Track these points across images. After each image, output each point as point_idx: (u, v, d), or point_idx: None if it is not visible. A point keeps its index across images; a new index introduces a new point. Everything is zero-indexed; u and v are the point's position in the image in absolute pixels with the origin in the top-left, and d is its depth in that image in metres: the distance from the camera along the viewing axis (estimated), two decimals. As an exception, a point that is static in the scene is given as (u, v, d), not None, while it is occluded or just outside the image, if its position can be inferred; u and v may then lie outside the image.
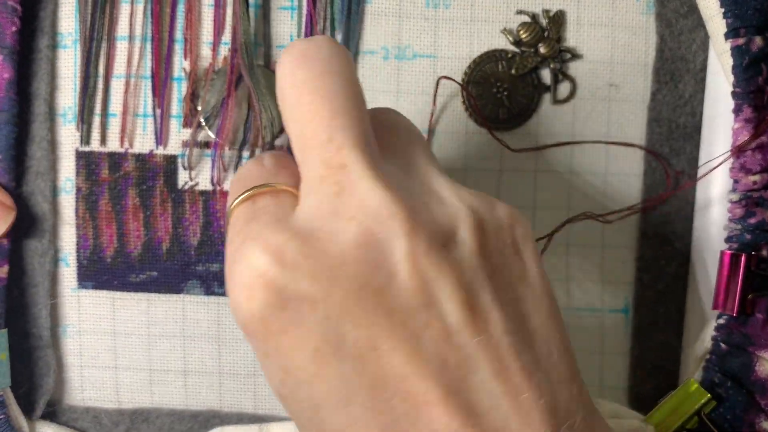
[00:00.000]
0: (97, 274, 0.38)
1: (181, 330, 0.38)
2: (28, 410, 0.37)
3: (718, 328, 0.34)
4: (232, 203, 0.26)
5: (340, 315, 0.22)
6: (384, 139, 0.26)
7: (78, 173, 0.38)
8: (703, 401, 0.33)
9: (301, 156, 0.25)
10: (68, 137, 0.37)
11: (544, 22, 0.37)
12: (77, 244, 0.38)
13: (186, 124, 0.37)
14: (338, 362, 0.22)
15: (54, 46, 0.37)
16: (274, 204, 0.25)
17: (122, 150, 0.37)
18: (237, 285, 0.23)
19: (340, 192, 0.24)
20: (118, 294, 0.38)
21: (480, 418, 0.22)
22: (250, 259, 0.23)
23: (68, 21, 0.37)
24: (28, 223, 0.37)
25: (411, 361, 0.22)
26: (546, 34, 0.37)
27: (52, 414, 0.38)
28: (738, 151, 0.33)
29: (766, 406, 0.34)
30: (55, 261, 0.38)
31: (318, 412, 0.23)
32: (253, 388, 0.38)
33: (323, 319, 0.22)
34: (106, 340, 0.38)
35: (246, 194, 0.26)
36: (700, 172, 0.37)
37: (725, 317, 0.34)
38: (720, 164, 0.35)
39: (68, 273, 0.38)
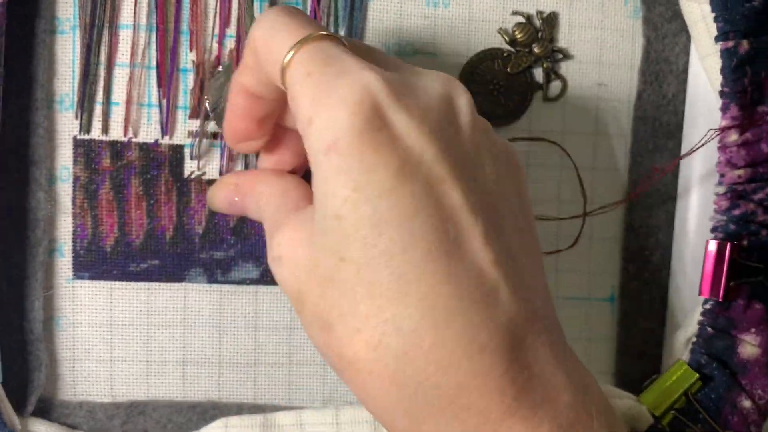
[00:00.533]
0: (95, 264, 0.37)
1: (181, 319, 0.38)
2: (19, 406, 0.36)
3: (704, 313, 0.37)
4: (287, 56, 0.27)
5: (424, 146, 0.25)
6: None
7: (76, 162, 0.37)
8: (691, 381, 0.36)
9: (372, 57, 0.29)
10: (65, 125, 0.37)
11: (538, 23, 0.39)
12: (74, 234, 0.37)
13: (192, 115, 0.37)
14: (413, 183, 0.25)
15: (52, 32, 0.36)
16: (345, 49, 0.27)
17: (125, 139, 0.37)
18: (342, 98, 0.25)
19: (416, 72, 0.29)
20: (116, 284, 0.38)
21: (510, 257, 0.26)
22: (361, 76, 0.25)
23: (67, 6, 0.36)
24: (21, 212, 0.36)
25: (467, 196, 0.26)
26: (540, 34, 0.39)
27: (44, 410, 0.38)
28: (721, 131, 0.36)
29: (746, 386, 0.36)
30: (50, 251, 0.37)
31: (377, 228, 0.25)
32: (254, 377, 0.38)
33: (410, 147, 0.25)
34: (102, 331, 0.38)
35: (304, 41, 0.27)
36: (682, 168, 0.40)
37: (711, 303, 0.36)
38: (700, 146, 0.38)
39: (63, 263, 0.37)
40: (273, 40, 0.28)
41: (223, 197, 0.33)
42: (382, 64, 0.28)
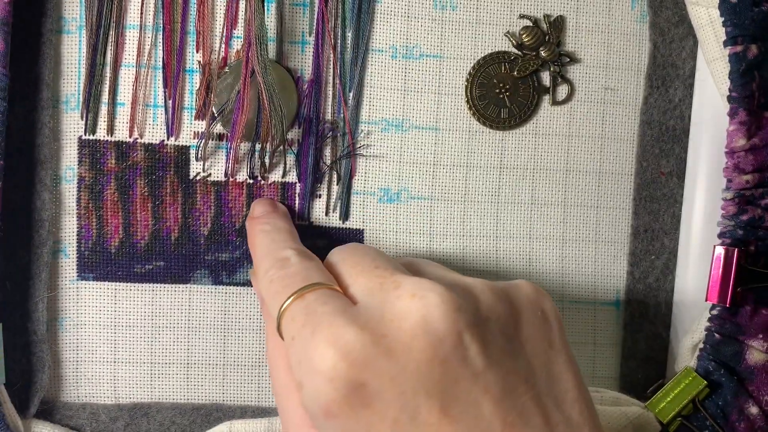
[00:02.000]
0: (99, 264, 0.37)
1: (186, 321, 0.38)
2: (22, 408, 0.36)
3: (711, 319, 0.37)
4: (283, 304, 0.29)
5: (415, 387, 0.26)
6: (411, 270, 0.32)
7: (81, 162, 0.37)
8: (699, 388, 0.35)
9: (353, 281, 0.30)
10: (70, 125, 0.37)
11: (545, 26, 0.39)
12: (78, 235, 0.37)
13: (198, 116, 0.37)
14: (415, 429, 0.25)
15: (58, 31, 0.36)
16: (331, 297, 0.29)
17: (130, 140, 0.37)
18: (317, 374, 0.26)
19: (398, 286, 0.28)
20: (121, 285, 0.37)
21: None
22: (327, 347, 0.26)
23: (73, 6, 0.36)
24: (26, 212, 0.36)
25: (478, 425, 0.26)
26: (547, 38, 0.39)
27: (47, 411, 0.37)
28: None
29: (753, 392, 0.36)
30: (54, 252, 0.37)
31: None
32: (258, 379, 0.38)
33: (400, 394, 0.26)
34: (106, 333, 0.38)
35: (299, 292, 0.29)
36: (688, 173, 0.40)
37: (718, 308, 0.36)
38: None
39: (67, 264, 0.37)
40: (268, 296, 0.30)
41: None
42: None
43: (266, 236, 0.34)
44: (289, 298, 0.29)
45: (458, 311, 0.27)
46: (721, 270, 0.36)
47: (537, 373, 0.28)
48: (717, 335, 0.36)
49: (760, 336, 0.36)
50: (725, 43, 0.35)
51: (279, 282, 0.30)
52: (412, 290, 0.27)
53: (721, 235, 0.37)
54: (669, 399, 0.36)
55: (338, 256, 0.32)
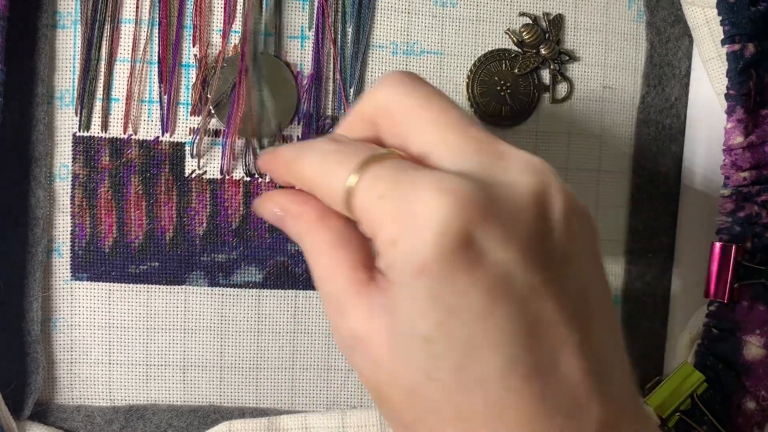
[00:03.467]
0: (93, 264, 0.36)
1: (182, 322, 0.37)
2: (16, 410, 0.35)
3: (709, 315, 0.37)
4: (349, 181, 0.25)
5: (515, 258, 0.24)
6: None
7: (75, 159, 0.36)
8: (698, 383, 0.36)
9: (442, 131, 0.25)
10: (65, 121, 0.36)
11: (544, 24, 0.39)
12: (72, 234, 0.36)
13: (194, 111, 0.36)
14: (507, 302, 0.23)
15: (53, 26, 0.35)
16: (411, 164, 0.25)
17: (125, 136, 0.36)
18: (426, 219, 0.23)
19: (502, 156, 0.25)
20: (115, 285, 0.37)
21: (600, 360, 0.25)
22: (440, 193, 0.23)
23: (68, 0, 0.35)
24: (20, 210, 0.35)
25: (561, 308, 0.24)
26: (546, 36, 0.39)
27: (41, 413, 0.36)
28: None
29: (750, 387, 0.36)
30: (48, 251, 0.36)
31: (472, 352, 0.23)
32: (255, 381, 0.38)
33: (501, 262, 0.23)
34: (100, 334, 0.37)
35: (375, 157, 0.25)
36: (684, 171, 0.40)
37: (716, 304, 0.37)
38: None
39: (61, 264, 0.36)
40: (328, 169, 0.26)
41: (268, 211, 0.30)
42: (461, 142, 0.26)
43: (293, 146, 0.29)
44: (359, 167, 0.25)
45: (571, 195, 0.25)
46: (718, 266, 0.36)
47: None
48: (715, 331, 0.37)
49: (757, 331, 0.36)
50: (723, 42, 0.36)
51: (339, 152, 0.26)
52: (521, 166, 0.25)
53: (718, 232, 0.37)
54: (668, 394, 0.36)
55: (405, 99, 0.26)
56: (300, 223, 0.28)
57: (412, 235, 0.23)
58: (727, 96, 0.36)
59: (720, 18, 0.36)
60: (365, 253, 0.26)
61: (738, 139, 0.36)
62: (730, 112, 0.36)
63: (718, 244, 0.36)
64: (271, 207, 0.29)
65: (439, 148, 0.25)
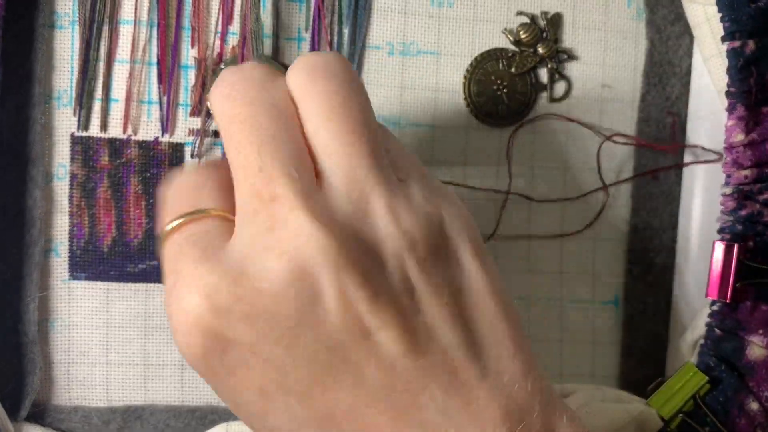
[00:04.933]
0: (92, 264, 0.36)
1: (180, 322, 0.37)
2: (13, 411, 0.35)
3: (711, 315, 0.36)
4: (164, 229, 0.26)
5: (281, 355, 0.23)
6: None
7: (73, 159, 0.36)
8: (700, 384, 0.35)
9: (236, 185, 0.25)
10: (63, 121, 0.36)
11: (542, 23, 0.39)
12: (70, 234, 0.36)
13: (194, 112, 0.37)
14: (284, 398, 0.23)
15: (51, 26, 0.36)
16: (207, 234, 0.25)
17: (124, 137, 0.36)
18: (176, 329, 0.24)
19: (272, 226, 0.23)
20: (113, 285, 0.37)
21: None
22: (183, 303, 0.23)
23: (66, 0, 0.36)
24: (17, 210, 0.36)
25: (357, 393, 0.23)
26: (544, 35, 0.39)
27: (38, 414, 0.36)
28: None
29: (754, 388, 0.36)
30: (45, 251, 0.36)
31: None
32: (254, 382, 0.38)
33: (264, 361, 0.23)
34: (98, 334, 0.37)
35: (177, 222, 0.25)
36: (685, 170, 0.40)
37: (718, 304, 0.36)
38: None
39: (59, 264, 0.36)
40: (165, 205, 0.27)
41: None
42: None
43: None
44: (169, 223, 0.26)
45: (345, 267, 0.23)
46: (720, 266, 0.35)
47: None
48: (717, 331, 0.36)
49: (761, 331, 0.36)
50: (723, 39, 0.35)
51: (171, 191, 0.27)
52: (283, 248, 0.23)
53: (720, 231, 0.36)
54: (670, 395, 0.35)
55: (223, 104, 0.26)
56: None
57: (173, 334, 0.24)
58: (728, 93, 0.36)
59: (720, 15, 0.36)
60: None
61: (739, 137, 0.36)
62: (730, 109, 0.36)
63: (719, 244, 0.36)
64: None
65: (236, 188, 0.25)
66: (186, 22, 0.36)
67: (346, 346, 0.23)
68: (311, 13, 0.37)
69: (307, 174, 0.24)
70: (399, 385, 0.23)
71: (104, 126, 0.36)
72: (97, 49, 0.36)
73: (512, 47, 0.39)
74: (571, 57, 0.39)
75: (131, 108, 0.36)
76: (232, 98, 0.25)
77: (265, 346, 0.23)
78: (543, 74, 0.39)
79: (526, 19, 0.39)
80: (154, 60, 0.36)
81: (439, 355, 0.23)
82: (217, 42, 0.37)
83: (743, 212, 0.36)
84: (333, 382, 0.23)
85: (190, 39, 0.37)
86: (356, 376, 0.23)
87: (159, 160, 0.37)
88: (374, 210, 0.24)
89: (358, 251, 0.23)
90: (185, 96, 0.37)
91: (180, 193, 0.27)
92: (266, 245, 0.23)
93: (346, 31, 0.38)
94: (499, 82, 0.39)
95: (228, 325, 0.23)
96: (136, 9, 0.36)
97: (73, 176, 0.36)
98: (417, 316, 0.23)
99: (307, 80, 0.25)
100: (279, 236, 0.23)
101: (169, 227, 0.25)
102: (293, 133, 0.25)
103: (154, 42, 0.36)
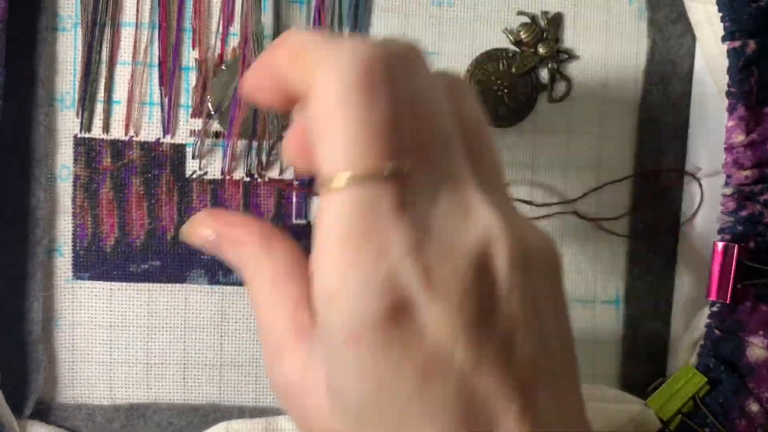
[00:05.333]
0: (95, 264, 0.37)
1: (182, 321, 0.37)
2: (17, 409, 0.36)
3: (711, 316, 0.36)
4: (339, 177, 0.22)
5: (454, 334, 0.22)
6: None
7: (76, 160, 0.37)
8: (700, 385, 0.35)
9: (431, 160, 0.23)
10: (66, 123, 0.36)
11: (543, 23, 0.39)
12: (73, 234, 0.37)
13: (195, 114, 0.37)
14: (443, 381, 0.22)
15: (54, 29, 0.36)
16: (397, 194, 0.22)
17: (126, 138, 0.37)
18: (368, 285, 0.22)
19: (466, 210, 0.23)
20: (116, 285, 0.37)
21: (546, 421, 0.23)
22: (383, 258, 0.22)
23: (68, 3, 0.36)
24: (21, 211, 0.36)
25: (503, 382, 0.22)
26: (545, 35, 0.39)
27: (42, 412, 0.37)
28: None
29: (754, 389, 0.36)
30: (49, 251, 0.37)
31: (404, 423, 0.22)
32: (254, 379, 0.38)
33: (438, 339, 0.22)
34: (101, 333, 0.37)
35: (369, 175, 0.22)
36: (686, 170, 0.40)
37: (718, 305, 0.36)
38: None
39: (63, 263, 0.37)
40: (336, 136, 0.23)
41: (198, 236, 0.27)
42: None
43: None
44: (371, 174, 0.22)
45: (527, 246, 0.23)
46: (720, 266, 0.35)
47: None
48: (717, 332, 0.36)
49: (761, 332, 0.36)
50: (723, 39, 0.35)
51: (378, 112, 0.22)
52: (466, 216, 0.23)
53: (720, 231, 0.36)
54: (670, 396, 0.35)
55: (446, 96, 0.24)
56: (241, 249, 0.26)
57: (352, 298, 0.22)
58: (728, 93, 0.36)
59: (720, 14, 0.35)
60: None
61: (739, 137, 0.36)
62: (731, 109, 0.36)
63: (720, 244, 0.36)
64: (202, 232, 0.27)
65: (428, 170, 0.23)
66: (187, 24, 0.37)
67: (507, 334, 0.23)
68: (312, 13, 0.37)
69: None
70: (530, 377, 0.23)
71: (106, 127, 0.37)
72: (99, 52, 0.36)
73: (513, 47, 0.39)
74: (572, 57, 0.39)
75: (133, 109, 0.37)
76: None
77: (444, 323, 0.22)
78: (544, 74, 0.39)
79: (527, 19, 0.39)
80: (156, 62, 0.37)
81: (551, 360, 0.24)
82: (218, 43, 0.37)
83: (744, 213, 0.36)
84: (489, 367, 0.22)
85: (191, 41, 0.37)
86: (507, 366, 0.23)
87: (161, 161, 0.37)
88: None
89: (524, 240, 0.23)
90: (186, 97, 0.37)
91: (388, 130, 0.23)
92: (459, 225, 0.23)
93: (346, 31, 0.38)
94: (499, 82, 0.39)
95: (421, 294, 0.22)
96: (137, 11, 0.36)
97: (76, 177, 0.37)
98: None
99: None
100: (471, 218, 0.23)
101: (347, 179, 0.22)
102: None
103: (156, 44, 0.37)
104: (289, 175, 0.38)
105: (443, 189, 0.23)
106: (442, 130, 0.24)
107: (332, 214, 0.22)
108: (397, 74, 0.23)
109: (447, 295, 0.22)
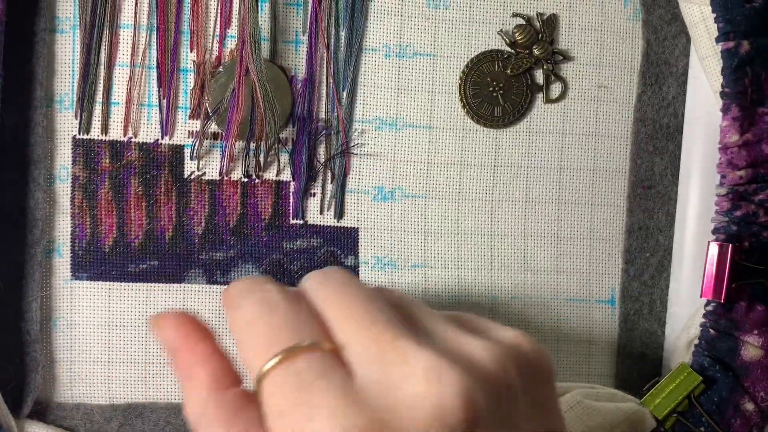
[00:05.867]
0: (93, 264, 0.37)
1: (180, 321, 0.38)
2: (15, 408, 0.36)
3: (706, 315, 0.37)
4: (267, 363, 0.24)
5: None
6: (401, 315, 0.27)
7: (75, 161, 0.37)
8: (695, 384, 0.35)
9: (351, 336, 0.25)
10: (64, 124, 0.37)
11: (538, 25, 0.39)
12: (72, 234, 0.37)
13: (193, 115, 0.37)
14: None
15: (52, 30, 0.36)
16: (328, 367, 0.24)
17: (125, 139, 0.37)
18: None
19: (405, 360, 0.24)
20: (115, 285, 0.37)
21: None
22: (332, 424, 0.22)
23: (67, 5, 0.36)
24: (19, 211, 0.36)
25: None
26: (540, 36, 0.39)
27: (41, 412, 0.37)
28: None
29: (749, 388, 0.36)
30: (48, 251, 0.37)
31: None
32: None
33: None
34: (100, 333, 0.37)
35: (287, 352, 0.24)
36: (682, 170, 0.40)
37: (713, 304, 0.36)
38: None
39: (61, 264, 0.37)
40: (247, 339, 0.26)
41: (163, 336, 0.29)
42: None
43: (242, 283, 0.28)
44: (276, 356, 0.24)
45: (473, 398, 0.24)
46: (715, 266, 0.36)
47: None
48: (712, 331, 0.36)
49: (755, 332, 0.36)
50: (717, 39, 0.36)
51: (262, 325, 0.25)
52: (423, 371, 0.24)
53: (715, 231, 0.37)
54: (664, 395, 0.35)
55: (321, 292, 0.27)
56: (192, 385, 0.27)
57: None
58: (723, 94, 0.36)
59: (714, 15, 0.36)
60: None
61: (733, 138, 0.36)
62: (725, 110, 0.36)
63: (715, 244, 0.36)
64: (165, 335, 0.28)
65: (350, 343, 0.25)
66: (185, 26, 0.37)
67: None
68: (309, 16, 0.38)
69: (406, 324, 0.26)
70: None
71: (105, 129, 0.37)
72: (98, 53, 0.37)
73: (508, 49, 0.39)
74: (567, 58, 0.39)
75: (131, 111, 0.37)
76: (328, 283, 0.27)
77: None
78: (539, 75, 0.39)
79: (522, 21, 0.39)
80: (154, 63, 0.37)
81: None
82: (216, 45, 0.37)
83: (738, 213, 0.36)
84: None
85: (189, 43, 0.37)
86: None
87: (159, 162, 0.37)
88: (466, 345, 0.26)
89: (480, 386, 0.24)
90: (184, 99, 0.37)
91: (270, 322, 0.25)
92: (405, 375, 0.24)
93: (342, 33, 0.38)
94: (495, 83, 0.39)
95: None
96: (136, 13, 0.37)
97: (74, 178, 0.37)
98: None
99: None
100: (415, 365, 0.24)
101: (273, 361, 0.24)
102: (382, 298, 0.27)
103: (154, 46, 0.37)
104: (285, 176, 0.38)
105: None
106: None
107: (267, 399, 0.24)
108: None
109: None
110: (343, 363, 0.24)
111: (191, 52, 0.37)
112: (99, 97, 0.37)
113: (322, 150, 0.38)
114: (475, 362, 0.25)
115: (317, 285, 0.27)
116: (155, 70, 0.37)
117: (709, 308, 0.36)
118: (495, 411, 0.24)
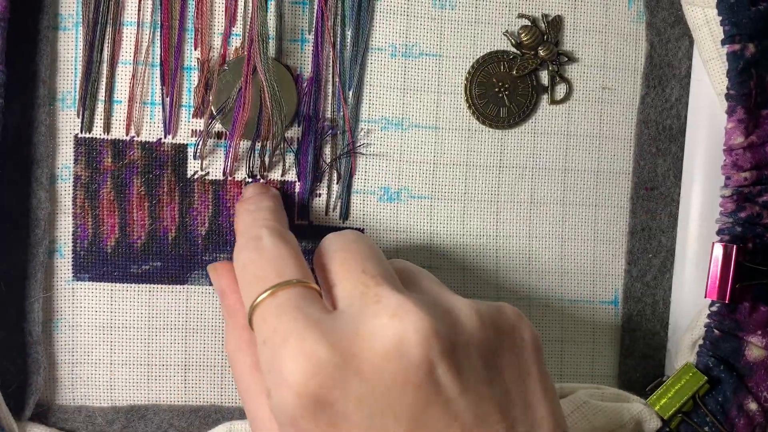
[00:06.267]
0: (95, 265, 0.37)
1: (183, 322, 0.37)
2: (17, 410, 0.36)
3: (710, 316, 0.37)
4: (257, 299, 0.28)
5: (383, 410, 0.25)
6: (401, 277, 0.31)
7: (77, 161, 0.36)
8: (700, 384, 0.36)
9: (340, 278, 0.29)
10: (67, 123, 0.36)
11: (543, 26, 0.39)
12: (74, 234, 0.37)
13: (196, 114, 0.37)
14: None
15: (54, 28, 0.36)
16: (305, 300, 0.28)
17: (127, 138, 0.37)
18: (286, 386, 0.26)
19: (379, 300, 0.27)
20: (117, 286, 0.37)
21: None
22: (296, 362, 0.26)
23: (70, 2, 0.36)
24: (21, 211, 0.36)
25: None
26: (545, 37, 0.39)
27: (42, 414, 0.37)
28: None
29: (753, 388, 0.36)
30: (50, 252, 0.36)
31: None
32: (256, 381, 0.38)
33: (367, 416, 0.25)
34: (102, 334, 0.37)
35: (272, 289, 0.28)
36: (685, 172, 0.40)
37: (717, 305, 0.37)
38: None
39: (63, 264, 0.37)
40: (243, 282, 0.30)
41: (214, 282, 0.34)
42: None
43: (248, 215, 0.33)
44: (264, 293, 0.28)
45: (436, 337, 0.26)
46: (720, 267, 0.36)
47: (513, 401, 0.28)
48: (716, 331, 0.37)
49: (759, 332, 0.36)
50: (723, 42, 0.36)
51: (252, 269, 0.30)
52: (392, 309, 0.27)
53: (719, 232, 0.37)
54: (670, 395, 0.36)
55: (332, 245, 0.31)
56: (233, 322, 0.32)
57: (278, 391, 0.26)
58: (728, 96, 0.36)
59: (720, 18, 0.36)
60: None
61: (738, 140, 0.36)
62: (730, 112, 0.36)
63: (719, 245, 0.36)
64: (219, 280, 0.33)
65: (340, 283, 0.29)
66: (189, 24, 0.37)
67: (443, 404, 0.26)
68: (315, 15, 0.37)
69: (396, 280, 0.30)
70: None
71: (107, 127, 0.36)
72: (101, 51, 0.36)
73: (513, 50, 0.39)
74: (572, 59, 0.39)
75: (134, 109, 0.37)
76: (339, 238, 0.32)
77: (372, 401, 0.25)
78: (544, 76, 0.39)
79: (527, 22, 0.39)
80: (157, 61, 0.36)
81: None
82: (221, 43, 0.37)
83: (743, 214, 0.36)
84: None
85: (193, 40, 0.37)
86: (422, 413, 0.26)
87: (162, 162, 0.37)
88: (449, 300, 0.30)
89: (446, 325, 0.27)
90: (188, 97, 0.37)
91: (259, 262, 0.30)
92: (375, 312, 0.27)
93: (349, 33, 0.38)
94: (500, 84, 0.39)
95: (341, 381, 0.25)
96: (139, 11, 0.36)
97: (76, 177, 0.36)
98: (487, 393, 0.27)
99: None
100: (387, 305, 0.27)
101: (263, 295, 0.28)
102: (382, 258, 0.31)
103: (158, 43, 0.36)
104: (290, 177, 0.37)
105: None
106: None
107: (256, 329, 0.28)
108: None
109: (363, 381, 0.25)
110: (324, 299, 0.29)
111: (195, 49, 0.37)
112: (101, 95, 0.36)
113: (327, 150, 0.38)
114: (452, 313, 0.28)
115: (332, 238, 0.32)
116: (158, 68, 0.37)
117: (714, 309, 0.37)
118: (466, 360, 0.27)
